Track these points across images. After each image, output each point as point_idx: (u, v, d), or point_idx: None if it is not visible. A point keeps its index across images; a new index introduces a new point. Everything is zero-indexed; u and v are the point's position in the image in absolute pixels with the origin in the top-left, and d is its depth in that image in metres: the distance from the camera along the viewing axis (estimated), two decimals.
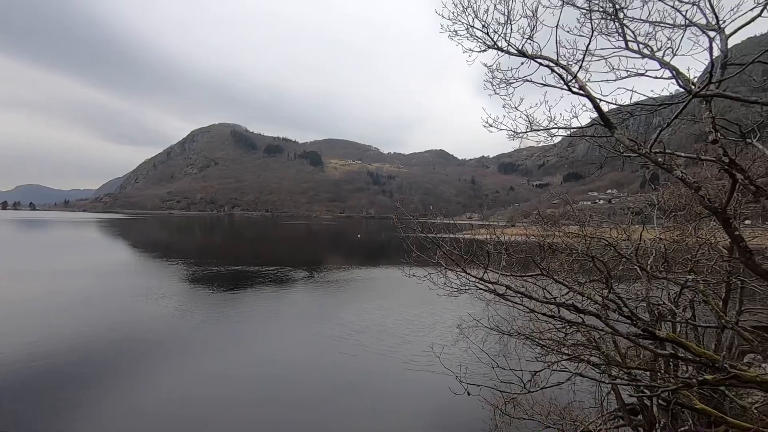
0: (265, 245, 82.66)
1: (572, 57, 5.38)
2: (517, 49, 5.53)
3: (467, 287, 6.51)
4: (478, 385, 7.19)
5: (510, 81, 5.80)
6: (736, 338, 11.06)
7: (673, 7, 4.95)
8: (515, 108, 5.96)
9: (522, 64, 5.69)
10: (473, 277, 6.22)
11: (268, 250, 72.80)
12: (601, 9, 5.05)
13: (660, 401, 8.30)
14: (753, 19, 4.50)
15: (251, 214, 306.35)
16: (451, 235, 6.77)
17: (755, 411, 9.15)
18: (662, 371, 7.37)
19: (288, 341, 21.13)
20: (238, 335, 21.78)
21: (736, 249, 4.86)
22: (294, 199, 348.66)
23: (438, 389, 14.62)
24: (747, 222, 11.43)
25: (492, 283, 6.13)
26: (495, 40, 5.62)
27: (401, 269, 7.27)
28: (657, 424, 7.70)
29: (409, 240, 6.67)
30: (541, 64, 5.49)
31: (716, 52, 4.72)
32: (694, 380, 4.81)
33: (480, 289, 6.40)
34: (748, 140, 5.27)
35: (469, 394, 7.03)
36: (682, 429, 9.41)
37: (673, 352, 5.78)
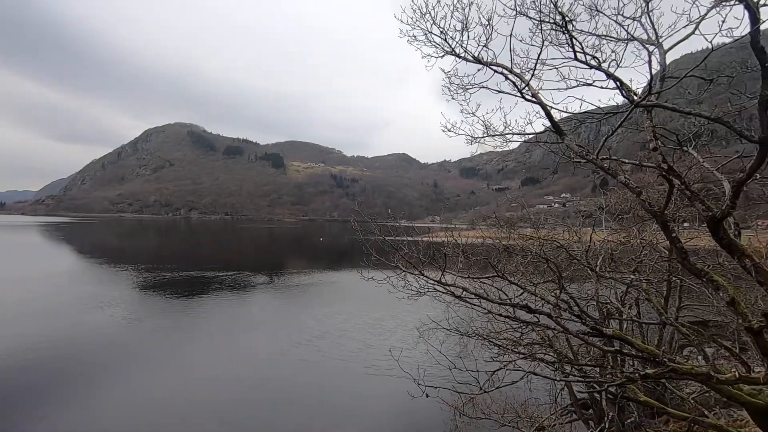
0: (223, 249, 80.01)
1: (525, 65, 5.55)
2: (473, 56, 5.65)
3: (426, 290, 6.55)
4: (437, 387, 7.24)
5: (467, 87, 5.92)
6: (676, 333, 11.83)
7: (616, 22, 5.23)
8: (472, 113, 6.08)
9: (478, 70, 5.81)
10: (431, 279, 6.27)
11: (227, 254, 70.51)
12: (551, 20, 5.25)
13: (608, 395, 8.71)
14: (687, 36, 4.82)
15: (209, 218, 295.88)
16: (410, 238, 6.80)
17: (692, 401, 9.80)
18: (611, 367, 7.74)
19: (246, 349, 20.49)
20: (192, 344, 20.88)
21: (674, 250, 5.18)
22: (255, 202, 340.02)
23: (398, 393, 14.66)
24: (686, 224, 12.26)
25: (449, 285, 6.20)
26: (452, 46, 5.71)
27: (360, 273, 7.23)
28: (606, 417, 8.06)
29: (368, 243, 6.65)
30: (495, 71, 5.64)
31: (656, 66, 5.03)
32: (637, 374, 5.06)
33: (438, 291, 6.46)
34: (685, 148, 5.64)
35: (427, 396, 7.07)
36: (629, 420, 9.93)
37: (619, 348, 6.07)
